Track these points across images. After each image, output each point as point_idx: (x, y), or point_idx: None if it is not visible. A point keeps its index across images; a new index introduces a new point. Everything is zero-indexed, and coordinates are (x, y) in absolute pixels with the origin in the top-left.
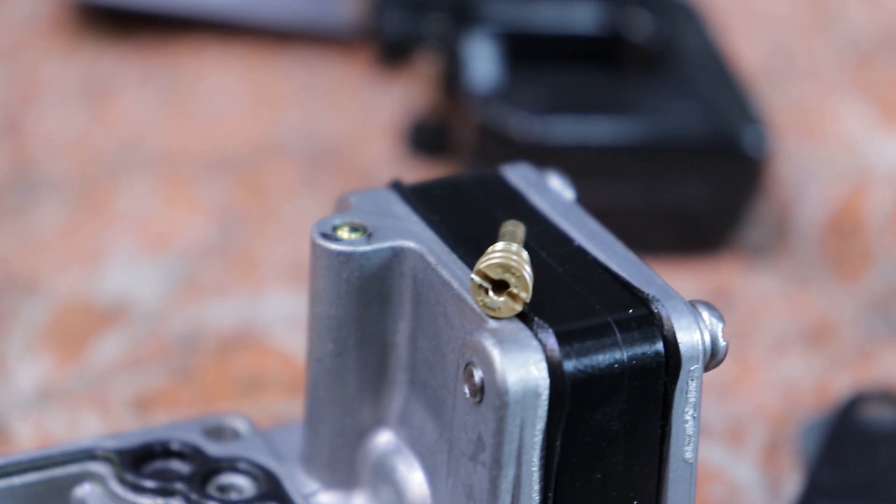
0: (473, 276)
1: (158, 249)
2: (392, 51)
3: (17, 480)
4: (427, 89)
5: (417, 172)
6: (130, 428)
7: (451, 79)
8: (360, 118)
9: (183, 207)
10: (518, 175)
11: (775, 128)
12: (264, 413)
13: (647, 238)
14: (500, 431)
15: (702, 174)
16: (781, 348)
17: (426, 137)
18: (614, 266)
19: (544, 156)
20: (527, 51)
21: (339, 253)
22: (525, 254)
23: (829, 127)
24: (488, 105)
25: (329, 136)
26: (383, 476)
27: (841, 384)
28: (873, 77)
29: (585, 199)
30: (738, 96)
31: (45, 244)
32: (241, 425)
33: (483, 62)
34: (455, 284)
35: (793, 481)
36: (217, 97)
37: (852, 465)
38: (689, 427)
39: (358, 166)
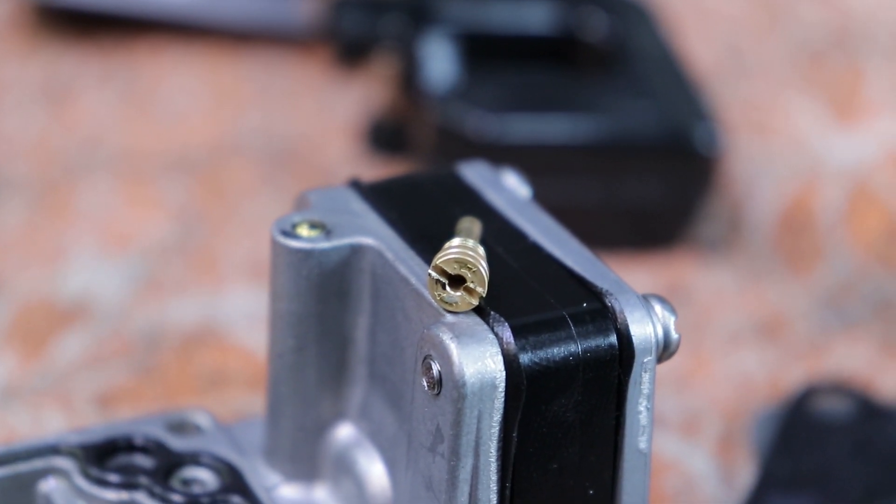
0: (430, 271)
1: (120, 248)
2: (350, 51)
3: None
4: (385, 89)
5: (376, 171)
6: (94, 424)
7: (409, 78)
8: (319, 118)
9: (144, 207)
10: (474, 173)
11: (728, 126)
12: (226, 409)
13: (602, 234)
14: (457, 423)
15: (655, 172)
16: (735, 342)
17: (384, 137)
18: (569, 261)
19: (501, 154)
20: (483, 51)
21: (299, 250)
22: (481, 249)
23: (780, 124)
24: (445, 104)
25: (288, 136)
26: (344, 469)
27: (793, 376)
28: (824, 75)
29: (542, 197)
30: (690, 95)
31: (7, 244)
32: (203, 420)
33: (440, 62)
34: (413, 280)
35: (747, 472)
36: (177, 97)
37: (804, 456)
38: (643, 418)
39: (317, 165)
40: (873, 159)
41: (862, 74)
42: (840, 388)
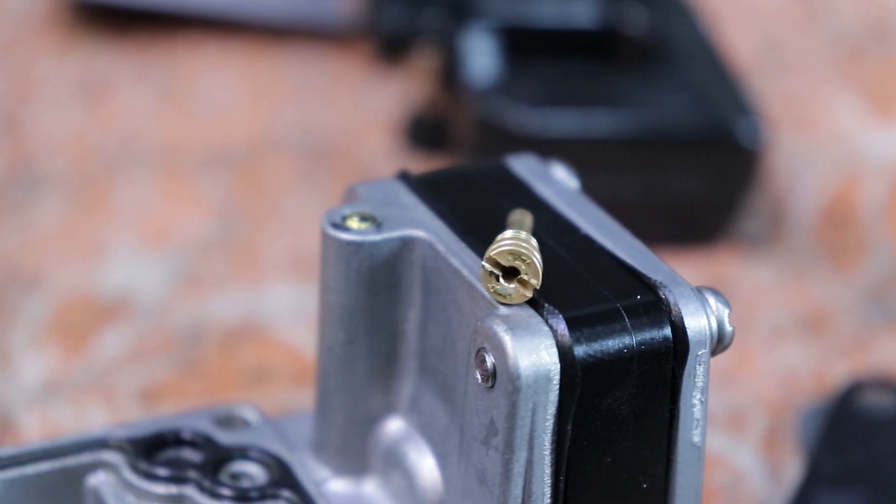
0: (484, 263)
1: (159, 244)
2: (391, 46)
3: (29, 470)
4: (425, 84)
5: (416, 167)
6: (156, 415)
7: (449, 73)
8: (358, 113)
9: (182, 202)
10: (523, 165)
11: (769, 120)
12: (269, 404)
13: (643, 229)
14: (512, 416)
15: (697, 166)
16: (779, 337)
17: (424, 132)
18: (621, 253)
19: (542, 148)
20: (524, 45)
21: (350, 242)
22: (534, 241)
23: (820, 119)
24: (486, 99)
25: (327, 131)
26: (394, 462)
27: (838, 372)
28: (863, 69)
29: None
30: (731, 89)
31: (47, 239)
32: (250, 414)
33: (481, 56)
34: (465, 272)
35: (793, 468)
36: (214, 93)
37: (851, 451)
38: (697, 411)
39: (356, 161)
40: None
41: None
42: (885, 384)
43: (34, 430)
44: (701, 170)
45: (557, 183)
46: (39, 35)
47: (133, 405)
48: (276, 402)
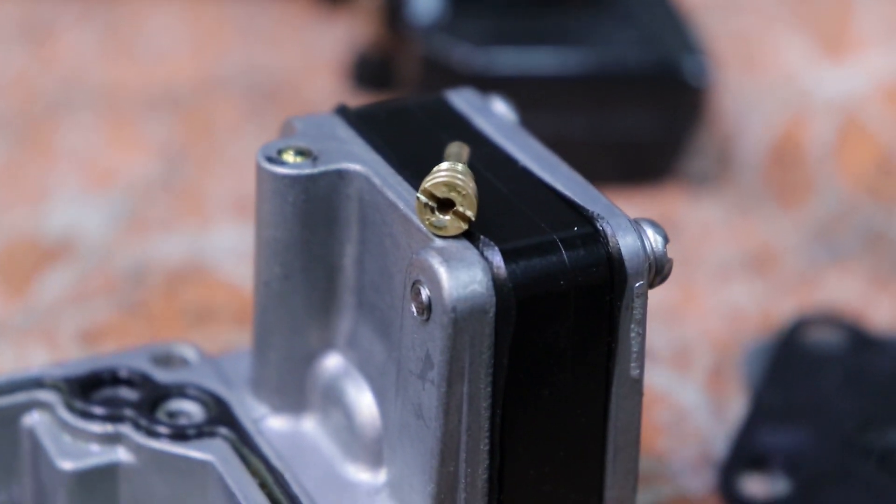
0: (419, 195)
1: (103, 186)
2: None
3: None
4: (370, 23)
5: None
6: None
7: (394, 12)
8: (304, 54)
9: (126, 144)
10: (462, 99)
11: (717, 60)
12: (213, 344)
13: (590, 168)
14: (447, 349)
15: (644, 104)
16: (725, 275)
17: (370, 71)
18: (559, 186)
19: (487, 87)
20: None
21: (285, 176)
22: (470, 173)
23: (769, 58)
24: (430, 37)
25: (273, 73)
26: (333, 399)
27: (784, 309)
28: (813, 9)
29: (530, 130)
30: (679, 27)
31: None
32: (189, 353)
33: None
34: (401, 205)
35: (738, 404)
36: (159, 35)
37: (796, 387)
38: (636, 343)
39: (302, 101)
40: (863, 92)
41: (851, 8)
42: (831, 320)
43: None
44: (647, 108)
45: (497, 117)
46: None
47: (75, 347)
48: (219, 342)
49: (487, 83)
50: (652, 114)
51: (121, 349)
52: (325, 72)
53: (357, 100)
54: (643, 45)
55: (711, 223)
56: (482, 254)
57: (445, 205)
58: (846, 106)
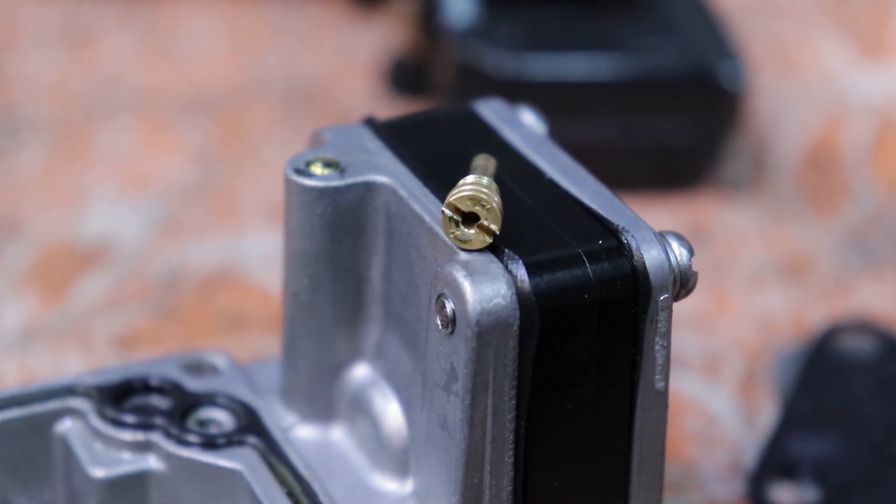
0: (444, 208)
1: (139, 190)
2: None
3: None
4: (405, 28)
5: (397, 111)
6: (125, 362)
7: (428, 16)
8: (340, 58)
9: (163, 148)
10: (490, 110)
11: (753, 63)
12: (246, 350)
13: (624, 174)
14: (471, 362)
15: (678, 109)
16: (758, 281)
17: (405, 76)
18: (585, 198)
19: (522, 92)
20: None
21: (312, 188)
22: (495, 186)
23: (807, 61)
24: (465, 42)
25: (308, 77)
26: (360, 408)
27: (817, 316)
28: (851, 11)
29: (563, 136)
30: (714, 32)
31: (27, 186)
32: (220, 361)
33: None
34: (427, 218)
35: (768, 412)
36: (196, 39)
37: (828, 394)
38: (660, 356)
39: (337, 106)
40: None
41: (889, 10)
42: (864, 327)
43: (11, 376)
44: (682, 113)
45: (525, 127)
46: None
47: (109, 352)
48: (251, 349)
49: (521, 89)
50: (686, 119)
51: (153, 356)
52: (360, 76)
53: (392, 104)
54: (678, 51)
55: (745, 229)
56: (506, 267)
57: (470, 218)
58: (884, 109)
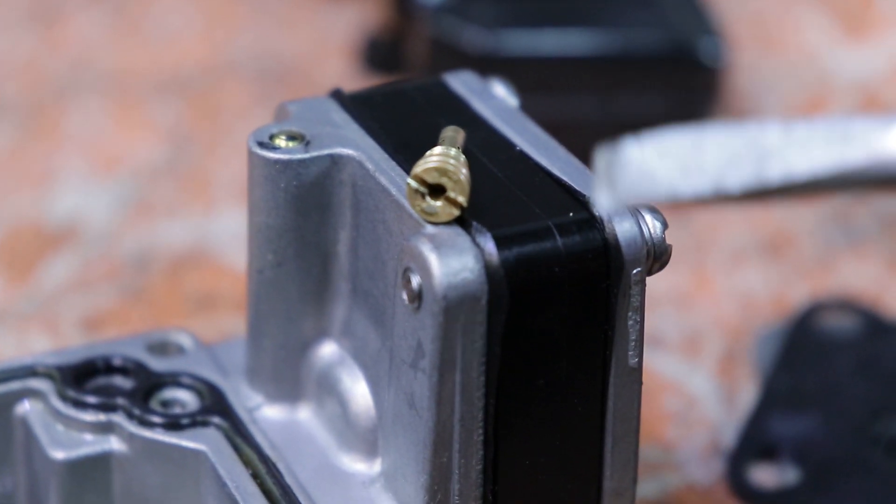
0: (410, 180)
1: (109, 170)
2: None
3: None
4: (380, 6)
5: None
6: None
7: None
8: (315, 37)
9: (134, 128)
10: (461, 82)
11: (735, 40)
12: (216, 331)
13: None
14: (438, 337)
15: (657, 85)
16: (739, 260)
17: (381, 54)
18: (556, 170)
19: (498, 69)
20: None
21: (276, 161)
22: (463, 158)
23: (789, 38)
24: (440, 18)
25: (283, 56)
26: (327, 388)
27: (798, 294)
28: None
29: (540, 113)
30: (694, 7)
31: None
32: (185, 341)
33: None
34: (393, 190)
35: (749, 391)
36: (169, 18)
37: (808, 373)
38: (633, 332)
39: (312, 85)
40: (883, 73)
41: None
42: (846, 305)
43: None
44: (661, 89)
45: (496, 99)
46: None
47: (76, 334)
48: (222, 329)
49: (497, 65)
50: (666, 95)
51: (118, 336)
52: (335, 54)
53: (367, 82)
54: (657, 26)
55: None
56: (474, 240)
57: (437, 190)
58: (866, 86)
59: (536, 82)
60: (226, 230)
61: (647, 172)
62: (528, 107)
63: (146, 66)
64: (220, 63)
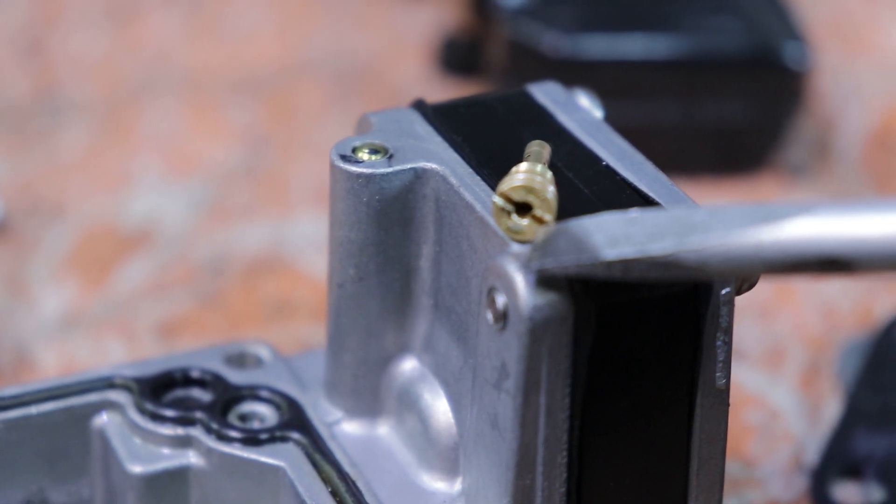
0: (496, 198)
1: (185, 172)
2: None
3: (33, 410)
4: (458, 7)
5: (449, 91)
6: (155, 354)
7: None
8: (391, 37)
9: (210, 129)
10: (545, 93)
11: (819, 42)
12: (291, 338)
13: (685, 157)
14: (523, 358)
15: (741, 90)
16: None
17: (457, 56)
18: (643, 186)
19: (577, 72)
20: None
21: (359, 175)
22: (550, 174)
23: (874, 40)
24: (519, 21)
25: (359, 56)
26: (408, 404)
27: (882, 306)
28: None
29: (621, 118)
30: (779, 10)
31: (71, 168)
32: (263, 352)
33: None
34: (478, 207)
35: (832, 405)
36: (245, 17)
37: (892, 388)
38: (721, 353)
39: (388, 86)
40: None
41: None
42: None
43: (51, 365)
44: (744, 94)
45: (581, 111)
46: None
47: (151, 340)
48: (298, 337)
49: (577, 69)
50: (749, 100)
51: (196, 345)
52: (412, 55)
53: (444, 85)
54: (740, 30)
55: None
56: None
57: (523, 208)
58: None
59: (616, 86)
60: (302, 235)
61: (579, 241)
62: (608, 111)
63: (222, 66)
64: (296, 63)
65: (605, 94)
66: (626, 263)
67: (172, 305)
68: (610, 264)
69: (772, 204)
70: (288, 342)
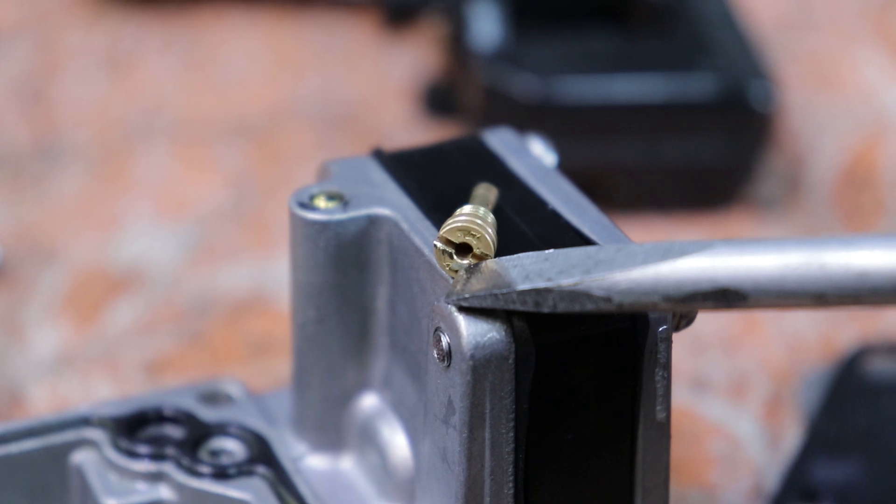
0: (436, 241)
1: (175, 215)
2: (397, 14)
3: (13, 448)
4: (437, 51)
5: (431, 134)
6: (140, 392)
7: (457, 40)
8: (377, 80)
9: (201, 172)
10: (498, 140)
11: (790, 80)
12: (272, 377)
13: (656, 195)
14: (467, 395)
15: (709, 130)
16: None
17: (439, 99)
18: (586, 230)
19: (550, 116)
20: (532, 10)
21: (315, 222)
22: (491, 217)
23: (846, 77)
24: (493, 66)
25: (346, 99)
26: (368, 438)
27: (847, 337)
28: (892, 26)
29: (594, 158)
30: (747, 51)
31: (65, 212)
32: (235, 390)
33: (487, 23)
34: (426, 251)
35: (794, 435)
36: (237, 62)
37: (853, 417)
38: (661, 387)
39: (373, 128)
40: None
41: None
42: (894, 349)
43: (43, 403)
44: (713, 134)
45: (532, 157)
46: (67, 6)
47: (138, 378)
48: (277, 375)
49: (550, 112)
50: (718, 140)
51: (179, 383)
52: (396, 98)
53: (426, 127)
54: (708, 72)
55: None
56: None
57: (463, 249)
58: None
59: (589, 128)
60: (284, 275)
61: (497, 275)
62: (579, 151)
63: (215, 111)
64: (284, 107)
65: (577, 136)
66: (538, 294)
67: (159, 344)
68: (523, 294)
69: (675, 242)
70: (268, 379)
